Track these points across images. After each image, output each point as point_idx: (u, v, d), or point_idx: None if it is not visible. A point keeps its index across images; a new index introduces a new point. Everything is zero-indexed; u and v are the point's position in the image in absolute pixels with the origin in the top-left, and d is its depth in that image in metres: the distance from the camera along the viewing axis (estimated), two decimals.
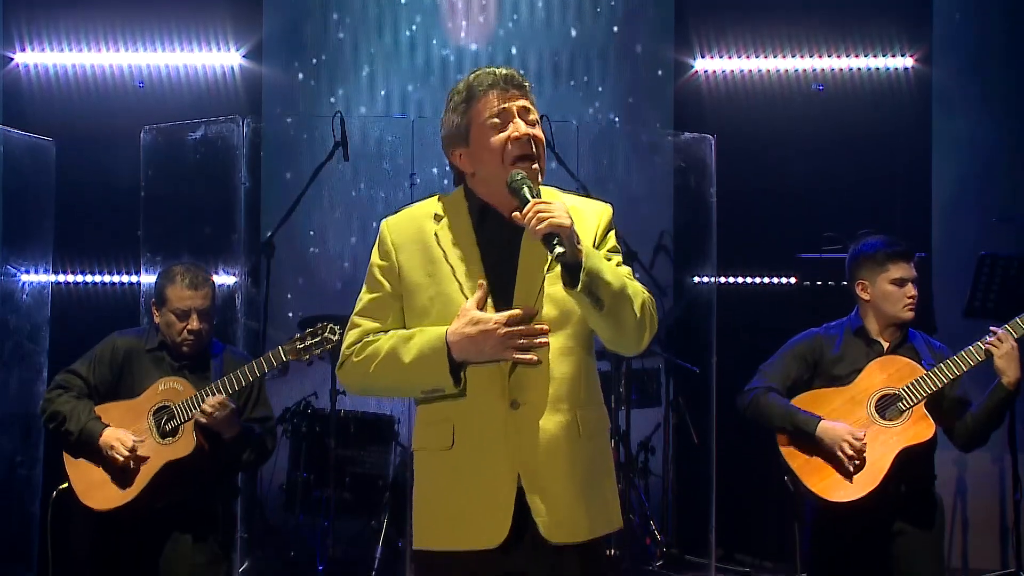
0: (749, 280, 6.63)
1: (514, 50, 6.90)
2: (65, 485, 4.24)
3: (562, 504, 2.63)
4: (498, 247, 2.70)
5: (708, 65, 6.75)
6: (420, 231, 2.75)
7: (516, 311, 2.61)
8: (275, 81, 6.89)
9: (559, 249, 2.49)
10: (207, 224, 5.75)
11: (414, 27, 6.97)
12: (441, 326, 2.64)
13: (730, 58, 6.72)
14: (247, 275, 5.80)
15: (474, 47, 6.92)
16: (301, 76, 6.97)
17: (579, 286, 2.51)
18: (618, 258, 2.74)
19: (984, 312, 5.48)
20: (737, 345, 5.76)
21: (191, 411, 4.13)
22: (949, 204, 6.54)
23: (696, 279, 6.27)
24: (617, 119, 6.97)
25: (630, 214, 6.48)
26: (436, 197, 2.82)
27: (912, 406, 3.90)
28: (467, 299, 2.64)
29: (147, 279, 5.51)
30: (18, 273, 5.84)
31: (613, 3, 6.98)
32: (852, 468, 3.85)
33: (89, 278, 6.54)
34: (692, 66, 6.75)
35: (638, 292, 2.65)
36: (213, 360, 4.34)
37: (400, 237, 2.76)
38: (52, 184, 5.90)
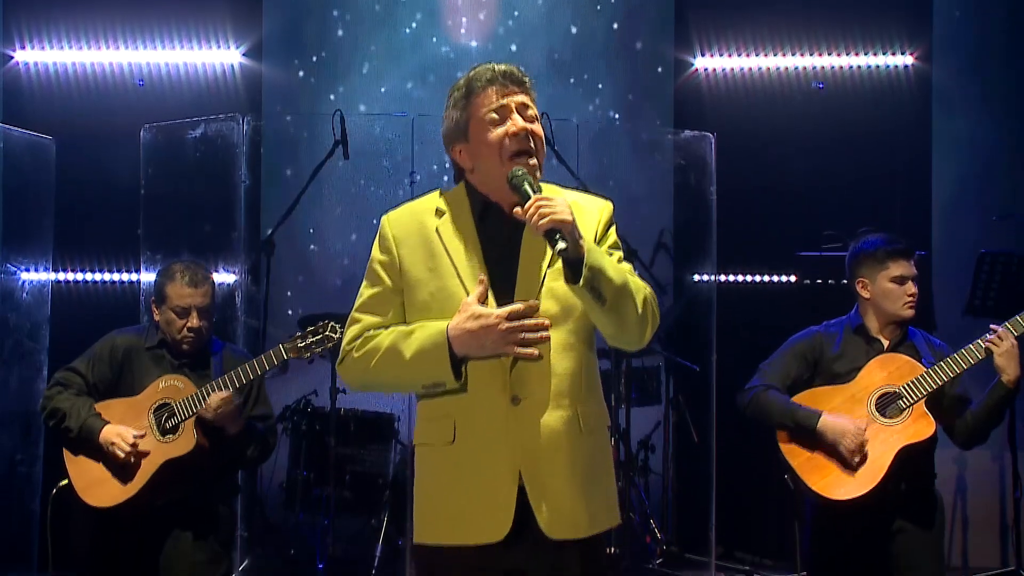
0: (749, 278, 6.63)
1: (514, 47, 6.90)
2: (65, 482, 4.24)
3: (563, 500, 2.63)
4: (499, 242, 2.70)
5: (708, 63, 6.74)
6: (421, 226, 2.75)
7: (517, 306, 2.61)
8: (275, 79, 6.88)
9: (561, 244, 2.50)
10: (207, 222, 5.75)
11: (414, 24, 6.97)
12: (442, 321, 2.63)
13: (730, 56, 6.72)
14: (247, 273, 5.80)
15: (474, 44, 6.92)
16: (301, 74, 6.97)
17: (581, 281, 2.51)
18: (619, 254, 2.74)
19: (984, 310, 5.49)
20: (737, 343, 5.76)
21: (192, 409, 4.13)
22: (949, 202, 6.54)
23: (696, 277, 6.27)
24: (617, 116, 6.97)
25: (630, 212, 6.47)
26: (437, 192, 2.82)
27: (912, 404, 3.90)
28: (468, 294, 2.64)
29: (147, 277, 5.51)
30: (18, 271, 5.84)
31: (613, 1, 6.98)
32: (855, 462, 3.85)
33: (89, 276, 6.53)
34: (692, 64, 6.75)
35: (640, 287, 2.65)
36: (213, 358, 4.35)
37: (401, 232, 2.76)
38: (52, 182, 5.90)
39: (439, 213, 2.76)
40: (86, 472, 4.19)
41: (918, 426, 3.88)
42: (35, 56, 6.63)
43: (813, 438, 3.92)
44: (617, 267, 2.63)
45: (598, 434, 2.74)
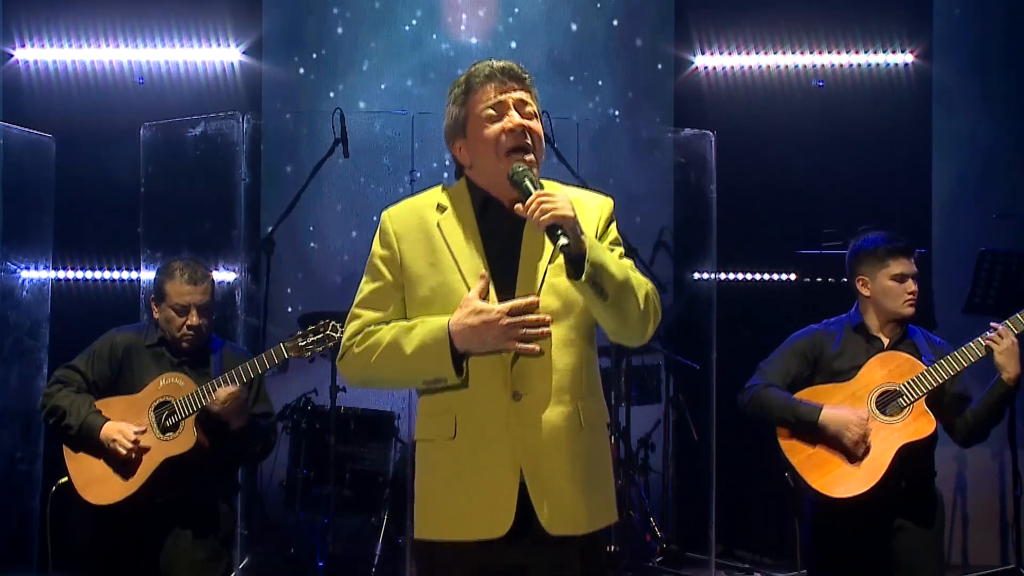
0: (749, 276, 6.63)
1: (514, 45, 6.90)
2: (64, 480, 4.24)
3: (564, 496, 2.62)
4: (500, 238, 2.70)
5: (708, 61, 6.74)
6: (422, 221, 2.75)
7: (519, 301, 2.61)
8: (275, 77, 6.88)
9: (563, 240, 2.49)
10: (207, 220, 5.74)
11: (414, 22, 6.97)
12: (443, 316, 2.63)
13: (730, 54, 6.72)
14: (247, 271, 5.80)
15: (474, 41, 6.92)
16: (302, 71, 6.97)
17: (583, 277, 2.51)
18: (620, 250, 2.74)
19: (984, 308, 5.49)
20: (737, 341, 5.76)
21: (192, 407, 4.13)
22: (949, 200, 6.54)
23: (696, 275, 6.27)
24: (617, 113, 6.97)
25: (630, 210, 6.48)
26: (439, 187, 2.82)
27: (913, 402, 3.89)
28: (469, 290, 2.64)
29: (147, 275, 5.50)
30: (18, 269, 5.84)
31: None
32: (859, 453, 3.85)
33: (89, 274, 6.54)
34: (692, 62, 6.75)
35: (641, 283, 2.65)
36: (212, 356, 4.35)
37: (402, 227, 2.75)
38: (52, 180, 5.91)
39: (440, 208, 2.75)
40: (86, 470, 4.19)
41: (918, 424, 3.88)
42: (35, 54, 6.63)
43: (815, 433, 3.92)
44: (619, 263, 2.63)
45: (598, 431, 2.74)
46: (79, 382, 4.29)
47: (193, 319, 4.26)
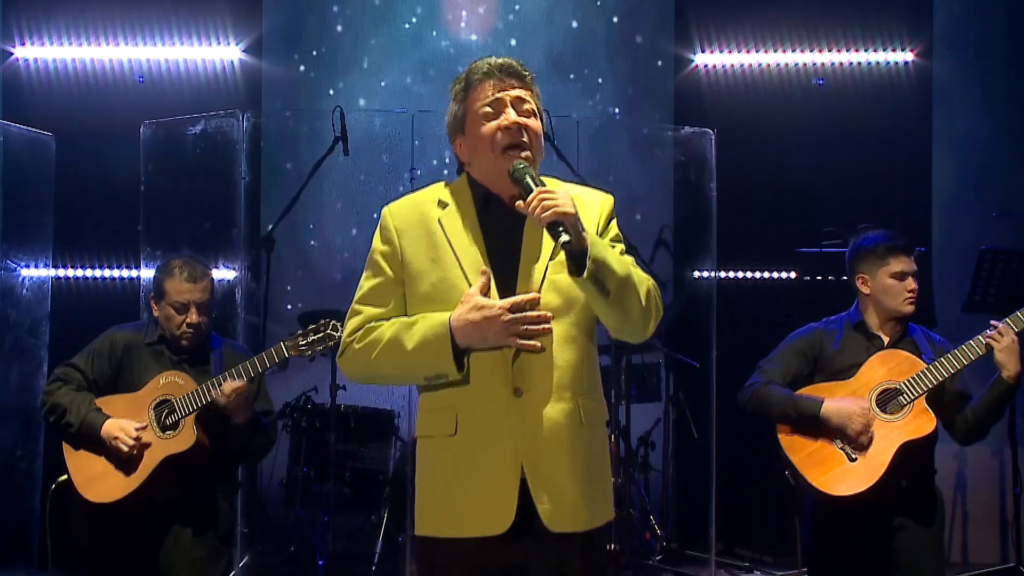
0: (749, 275, 6.63)
1: (514, 42, 6.90)
2: (64, 477, 4.23)
3: (565, 492, 2.63)
4: (501, 235, 2.70)
5: (708, 59, 6.74)
6: (423, 217, 2.75)
7: (520, 297, 2.61)
8: (275, 75, 6.88)
9: (565, 237, 2.50)
10: (207, 219, 5.74)
11: (414, 19, 6.97)
12: (444, 312, 2.63)
13: (730, 52, 6.72)
14: (247, 269, 5.80)
15: (474, 38, 6.92)
16: (301, 69, 6.97)
17: (585, 274, 2.51)
18: (621, 246, 2.75)
19: (984, 306, 5.49)
20: (737, 340, 5.76)
21: (192, 405, 4.13)
22: (949, 198, 6.54)
23: (696, 274, 6.27)
24: (617, 110, 6.96)
25: (630, 209, 6.48)
26: (441, 184, 2.82)
27: (913, 400, 3.89)
28: (470, 286, 2.64)
29: (147, 274, 5.50)
30: (18, 268, 5.84)
31: None
32: (864, 443, 3.85)
33: (89, 273, 6.53)
34: (692, 60, 6.75)
35: (643, 280, 2.65)
36: (212, 354, 4.34)
37: (402, 223, 2.75)
38: (52, 179, 5.90)
39: (442, 204, 2.75)
40: (86, 467, 4.19)
41: (919, 422, 3.88)
42: (35, 52, 6.63)
43: (816, 428, 3.92)
44: (620, 259, 2.63)
45: (597, 428, 2.75)
46: (79, 380, 4.29)
47: (192, 317, 4.26)
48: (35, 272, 5.87)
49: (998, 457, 6.20)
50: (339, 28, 6.98)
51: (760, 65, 6.71)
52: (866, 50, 6.62)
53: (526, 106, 2.71)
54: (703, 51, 6.73)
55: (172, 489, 4.16)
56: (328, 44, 6.98)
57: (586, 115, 6.66)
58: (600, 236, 2.70)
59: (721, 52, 6.72)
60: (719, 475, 5.72)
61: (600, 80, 6.98)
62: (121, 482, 4.13)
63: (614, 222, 2.79)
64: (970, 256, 5.69)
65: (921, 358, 3.96)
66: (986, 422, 4.01)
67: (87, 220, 6.45)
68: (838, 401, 3.91)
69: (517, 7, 6.96)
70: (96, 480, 4.16)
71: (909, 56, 6.59)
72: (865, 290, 4.09)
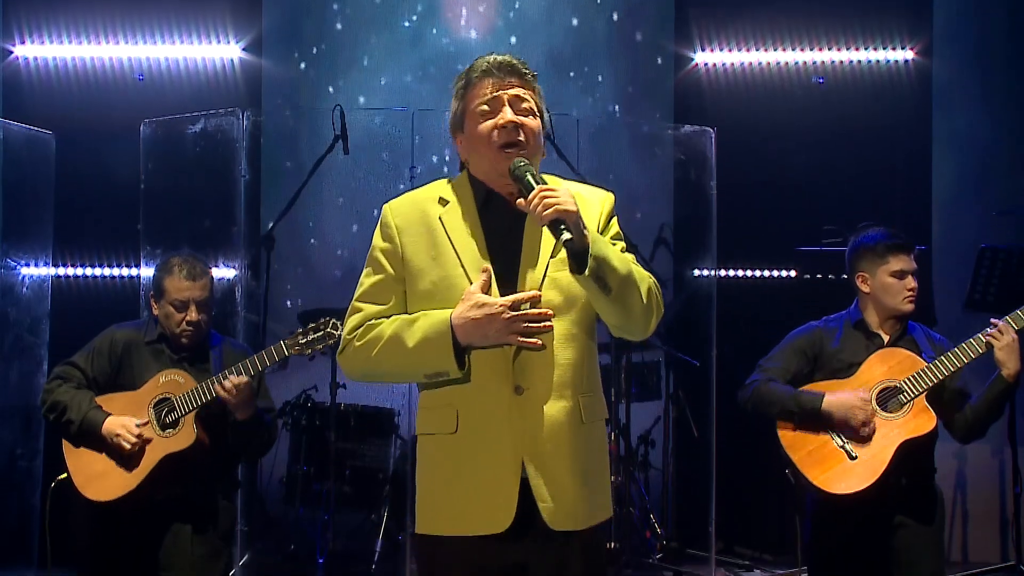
0: (749, 273, 6.63)
1: (514, 40, 6.90)
2: (64, 476, 4.23)
3: (566, 490, 2.63)
4: (501, 232, 2.70)
5: (708, 58, 6.74)
6: (424, 215, 2.74)
7: (521, 295, 2.61)
8: (275, 74, 6.88)
9: (566, 235, 2.49)
10: (207, 217, 5.74)
11: (414, 17, 6.96)
12: (445, 310, 2.63)
13: (730, 50, 6.72)
14: (247, 268, 5.80)
15: (474, 36, 6.92)
16: (301, 67, 6.96)
17: (586, 271, 2.51)
18: (622, 244, 2.74)
19: (984, 305, 5.49)
20: (737, 338, 5.76)
21: (192, 403, 4.13)
22: (949, 197, 6.54)
23: (696, 272, 6.26)
24: (617, 108, 6.96)
25: (630, 207, 6.47)
26: (443, 181, 2.82)
27: (913, 398, 3.90)
28: (471, 283, 2.64)
29: (147, 272, 5.49)
30: (18, 266, 5.84)
31: None
32: (866, 434, 3.85)
33: (89, 271, 6.54)
34: (692, 58, 6.75)
35: (644, 277, 2.65)
36: (212, 352, 4.34)
37: (403, 220, 2.75)
38: (52, 177, 5.89)
39: (443, 202, 2.75)
40: (86, 466, 4.18)
41: (919, 420, 3.88)
42: (35, 51, 6.63)
43: (818, 423, 3.92)
44: (622, 257, 2.63)
45: (597, 426, 2.75)
46: (79, 378, 4.29)
47: (192, 315, 4.26)
48: (35, 270, 5.87)
49: (998, 456, 6.20)
50: (339, 26, 6.98)
51: (760, 64, 6.71)
52: (866, 49, 6.62)
53: (524, 105, 2.70)
54: (703, 49, 6.73)
55: (172, 487, 4.16)
56: (328, 42, 6.98)
57: (586, 113, 6.65)
58: (601, 234, 2.69)
59: (721, 50, 6.72)
60: (719, 473, 5.72)
61: (600, 78, 6.97)
62: (121, 480, 4.13)
63: (615, 220, 2.78)
64: (970, 254, 5.69)
65: (921, 356, 3.96)
66: (986, 420, 4.02)
67: (87, 218, 6.45)
68: (838, 394, 3.92)
69: (517, 5, 6.95)
70: (96, 478, 4.15)
71: (909, 55, 6.59)
72: (865, 288, 4.09)
